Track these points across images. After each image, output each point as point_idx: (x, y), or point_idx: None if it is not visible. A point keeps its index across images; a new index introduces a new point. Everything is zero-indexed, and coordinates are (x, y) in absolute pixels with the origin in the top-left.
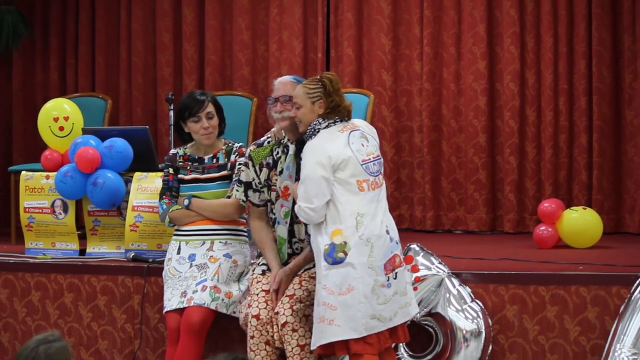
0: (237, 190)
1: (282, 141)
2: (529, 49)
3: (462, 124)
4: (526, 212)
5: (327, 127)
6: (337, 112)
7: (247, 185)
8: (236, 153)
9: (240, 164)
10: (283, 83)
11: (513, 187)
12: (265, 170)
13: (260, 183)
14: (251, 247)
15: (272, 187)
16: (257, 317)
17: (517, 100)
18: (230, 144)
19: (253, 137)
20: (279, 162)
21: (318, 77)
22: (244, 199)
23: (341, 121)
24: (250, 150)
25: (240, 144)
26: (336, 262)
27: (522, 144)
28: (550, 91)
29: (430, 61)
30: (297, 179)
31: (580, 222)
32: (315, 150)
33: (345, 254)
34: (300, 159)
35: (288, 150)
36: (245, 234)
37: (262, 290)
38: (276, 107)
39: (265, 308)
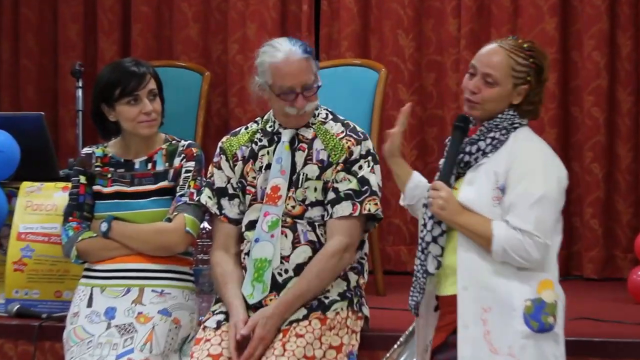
0: (210, 198)
1: (268, 128)
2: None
3: None
4: (617, 248)
5: (526, 124)
6: (529, 111)
7: (221, 192)
8: (182, 155)
9: (189, 172)
10: (295, 62)
11: (597, 209)
12: (239, 164)
13: (237, 182)
14: (200, 297)
15: (247, 187)
16: None
17: (603, 77)
18: (173, 142)
19: (204, 128)
20: (262, 154)
21: (527, 44)
22: (217, 212)
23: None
24: (222, 142)
25: (189, 141)
26: (543, 329)
27: (612, 143)
28: None
29: (473, 18)
30: (304, 174)
31: None
32: (555, 161)
33: (554, 320)
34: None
35: (279, 138)
36: (192, 278)
37: (209, 356)
38: (297, 102)
39: None
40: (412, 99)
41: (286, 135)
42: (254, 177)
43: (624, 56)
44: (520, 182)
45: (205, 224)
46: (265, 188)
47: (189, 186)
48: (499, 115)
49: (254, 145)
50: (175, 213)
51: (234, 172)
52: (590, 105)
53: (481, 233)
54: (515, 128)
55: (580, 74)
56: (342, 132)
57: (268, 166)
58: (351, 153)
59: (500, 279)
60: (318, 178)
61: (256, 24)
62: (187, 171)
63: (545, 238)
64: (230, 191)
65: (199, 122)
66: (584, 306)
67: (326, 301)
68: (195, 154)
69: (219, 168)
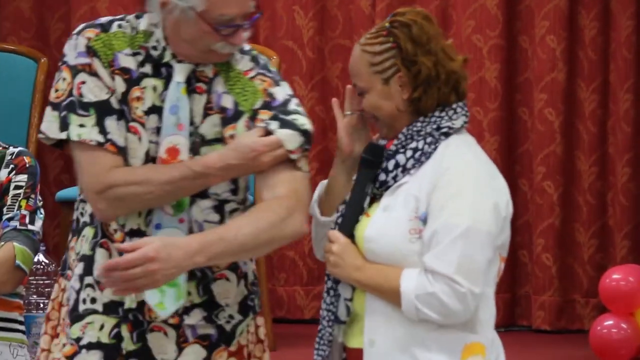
0: (83, 127)
1: (152, 50)
2: None
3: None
4: (576, 291)
5: (461, 128)
6: (438, 84)
7: (103, 109)
8: (11, 166)
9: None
10: None
11: (551, 240)
12: (119, 79)
13: (119, 103)
14: (32, 352)
15: (133, 124)
16: None
17: (560, 70)
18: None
19: (38, 131)
20: (144, 86)
21: (386, 24)
22: (102, 139)
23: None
24: (90, 37)
25: (19, 148)
26: None
27: (570, 155)
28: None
29: None
30: (200, 136)
31: None
32: (493, 181)
33: None
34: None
35: (169, 73)
36: (22, 327)
37: None
38: (235, 38)
39: None
40: (312, 96)
41: (181, 72)
42: (141, 114)
43: (587, 42)
44: (443, 209)
45: (41, 257)
46: (160, 150)
47: (20, 207)
48: (421, 118)
49: (138, 68)
50: (2, 242)
51: (115, 87)
52: (543, 106)
53: (387, 290)
54: (446, 134)
55: (530, 65)
56: (252, 69)
57: (153, 110)
58: (271, 95)
59: (416, 337)
60: (218, 140)
61: None
62: (17, 187)
63: (470, 284)
64: (116, 106)
65: (33, 123)
66: None
67: (228, 327)
68: (27, 165)
69: (94, 74)
